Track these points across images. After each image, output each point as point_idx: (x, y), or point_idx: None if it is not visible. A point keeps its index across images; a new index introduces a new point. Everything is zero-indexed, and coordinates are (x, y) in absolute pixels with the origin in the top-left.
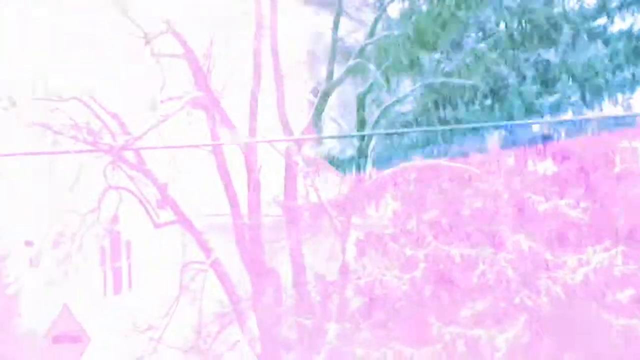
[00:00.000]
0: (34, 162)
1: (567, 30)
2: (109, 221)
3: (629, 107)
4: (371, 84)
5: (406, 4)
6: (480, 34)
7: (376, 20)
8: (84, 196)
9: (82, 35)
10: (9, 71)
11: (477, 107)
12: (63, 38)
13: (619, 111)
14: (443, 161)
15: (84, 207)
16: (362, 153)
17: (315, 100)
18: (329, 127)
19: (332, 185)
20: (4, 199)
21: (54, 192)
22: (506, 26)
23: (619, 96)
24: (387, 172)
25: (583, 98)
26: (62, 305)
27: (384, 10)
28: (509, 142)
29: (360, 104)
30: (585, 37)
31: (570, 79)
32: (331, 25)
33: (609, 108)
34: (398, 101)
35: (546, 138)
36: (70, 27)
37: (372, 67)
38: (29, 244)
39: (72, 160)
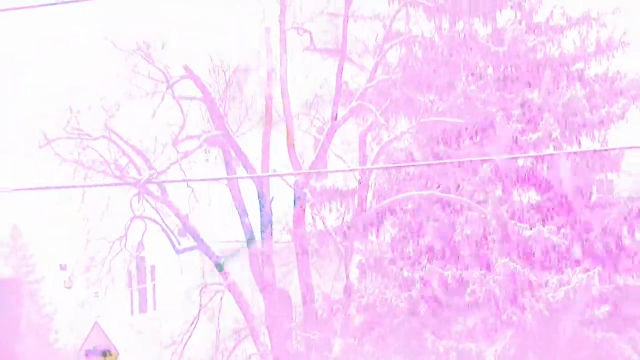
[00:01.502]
0: (68, 194)
1: (548, 73)
2: (135, 247)
3: (605, 142)
4: (371, 123)
5: (403, 50)
6: (470, 77)
7: (376, 65)
8: (112, 225)
9: (109, 78)
10: (42, 108)
11: (467, 143)
12: (92, 80)
13: (595, 146)
14: (437, 192)
15: (112, 235)
16: (363, 185)
17: (322, 138)
18: (334, 162)
19: (337, 215)
20: (40, 228)
21: (86, 222)
22: (493, 70)
23: (596, 133)
24: (386, 202)
25: (563, 134)
26: (94, 323)
27: (383, 56)
28: (497, 175)
29: (362, 141)
30: (565, 79)
31: (552, 117)
32: (336, 70)
33: (586, 143)
34: (396, 138)
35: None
36: (98, 71)
37: (372, 107)
38: (63, 268)
39: (102, 193)
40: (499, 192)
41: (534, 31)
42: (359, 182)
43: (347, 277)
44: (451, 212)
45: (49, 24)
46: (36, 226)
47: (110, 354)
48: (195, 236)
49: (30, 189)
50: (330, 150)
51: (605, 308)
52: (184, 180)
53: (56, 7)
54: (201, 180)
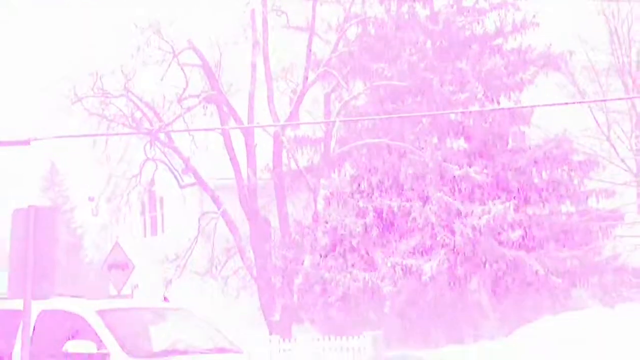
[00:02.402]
0: (94, 141)
1: (475, 47)
2: (147, 183)
3: (518, 101)
4: (334, 85)
5: (360, 28)
6: (412, 49)
7: (338, 40)
8: (130, 165)
9: (128, 49)
10: (75, 73)
11: (410, 101)
12: (115, 50)
13: (511, 105)
14: (386, 140)
15: (129, 173)
16: (328, 135)
17: (295, 97)
18: (305, 116)
19: (307, 157)
20: (73, 167)
21: (108, 163)
22: (431, 44)
23: (512, 94)
24: (346, 148)
25: (486, 95)
26: (114, 242)
27: (344, 33)
28: (433, 127)
29: (327, 100)
30: (487, 52)
31: (477, 81)
32: (307, 43)
33: (504, 102)
34: (354, 98)
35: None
36: (120, 44)
37: (335, 73)
38: (91, 199)
39: (121, 140)
40: (435, 140)
41: (463, 13)
42: (325, 132)
43: (315, 207)
44: (397, 156)
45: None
46: (70, 166)
47: (128, 267)
48: (195, 174)
49: (65, 136)
50: (302, 106)
51: (518, 232)
52: (186, 130)
53: None
54: (200, 130)
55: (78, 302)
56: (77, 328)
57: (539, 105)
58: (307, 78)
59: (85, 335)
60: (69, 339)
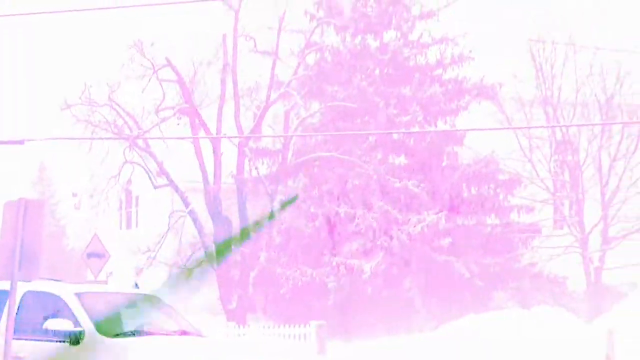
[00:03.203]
0: (80, 143)
1: (417, 76)
2: (125, 183)
3: (454, 125)
4: (294, 104)
5: (318, 55)
6: (363, 76)
7: (299, 64)
8: (110, 166)
9: (113, 64)
10: (65, 82)
11: (359, 121)
12: (102, 64)
13: (447, 127)
14: (336, 154)
15: (109, 173)
16: (286, 147)
17: (258, 113)
18: (266, 130)
19: (267, 167)
20: (60, 166)
21: (92, 163)
22: (379, 72)
23: (448, 118)
24: (301, 159)
25: (425, 118)
26: (94, 234)
27: (304, 58)
28: (378, 144)
29: (286, 117)
30: (428, 81)
31: (418, 106)
32: (271, 66)
33: (441, 125)
34: (310, 115)
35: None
36: (106, 59)
37: (295, 93)
38: (74, 194)
39: (104, 144)
40: (379, 156)
41: (408, 46)
42: (283, 145)
43: (272, 210)
44: (346, 168)
45: (79, 25)
46: (57, 164)
47: (104, 256)
48: (168, 177)
49: (55, 138)
50: (264, 122)
51: (448, 240)
52: (161, 138)
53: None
54: (174, 138)
55: (58, 285)
56: (57, 308)
57: (471, 129)
58: (269, 97)
59: (64, 314)
60: (50, 318)
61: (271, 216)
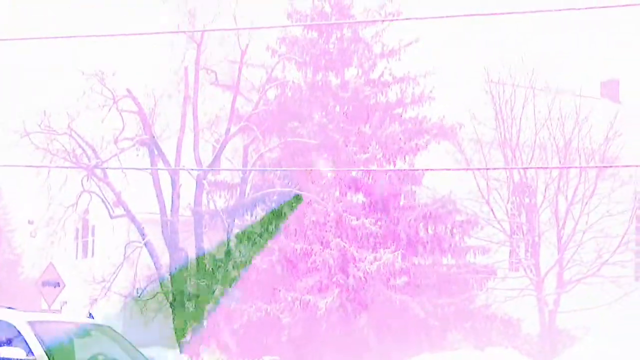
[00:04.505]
0: (38, 171)
1: (377, 114)
2: (82, 212)
3: (412, 164)
4: (253, 138)
5: (279, 90)
6: (323, 112)
7: (259, 99)
8: (68, 195)
9: (74, 93)
10: (25, 110)
11: (317, 157)
12: (62, 94)
13: (405, 166)
14: (294, 190)
15: (67, 202)
16: (244, 181)
17: (218, 146)
18: (225, 163)
19: (224, 200)
20: (16, 194)
21: (49, 192)
22: (340, 108)
23: (407, 157)
24: (259, 194)
25: (384, 156)
26: (49, 263)
27: (265, 93)
28: (337, 181)
29: (245, 151)
30: (388, 119)
31: (377, 144)
32: (231, 100)
33: (400, 164)
34: (269, 150)
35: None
36: (67, 88)
37: (254, 128)
38: (30, 222)
39: (62, 173)
40: (337, 193)
41: (369, 84)
42: (241, 179)
43: (228, 243)
44: (303, 204)
45: (36, 53)
46: (14, 192)
47: (59, 285)
48: (125, 207)
49: (12, 165)
50: (223, 155)
51: (404, 278)
52: (120, 168)
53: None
54: (132, 168)
55: (12, 313)
56: (10, 336)
57: (429, 169)
58: (229, 130)
59: (17, 342)
60: (3, 345)
61: (228, 250)
